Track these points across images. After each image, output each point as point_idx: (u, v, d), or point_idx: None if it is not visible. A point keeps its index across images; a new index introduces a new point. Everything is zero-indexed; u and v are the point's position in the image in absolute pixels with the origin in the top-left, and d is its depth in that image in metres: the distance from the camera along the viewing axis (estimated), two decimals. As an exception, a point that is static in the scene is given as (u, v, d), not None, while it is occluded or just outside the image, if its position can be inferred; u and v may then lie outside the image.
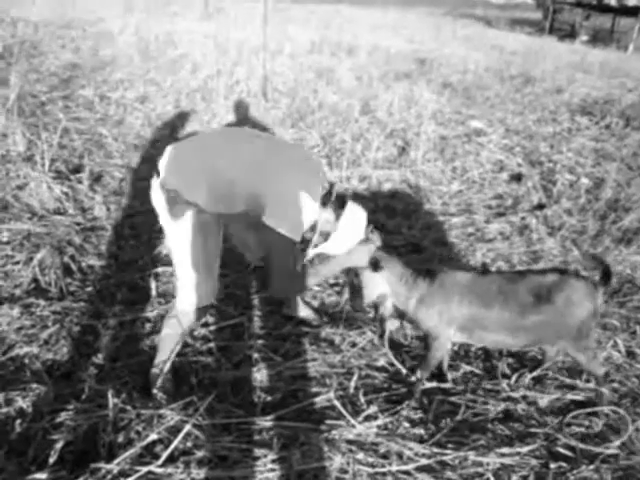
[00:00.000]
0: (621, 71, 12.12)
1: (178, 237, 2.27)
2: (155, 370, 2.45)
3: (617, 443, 2.29)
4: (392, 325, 2.82)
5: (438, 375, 2.66)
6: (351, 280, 2.54)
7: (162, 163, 2.25)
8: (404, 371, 2.66)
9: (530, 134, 6.88)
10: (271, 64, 8.24)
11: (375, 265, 2.39)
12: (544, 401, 2.55)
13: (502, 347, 2.70)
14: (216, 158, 2.21)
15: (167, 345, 2.43)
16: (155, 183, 2.26)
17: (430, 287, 2.42)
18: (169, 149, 2.29)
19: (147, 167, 4.95)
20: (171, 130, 5.99)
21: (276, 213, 2.16)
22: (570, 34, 24.51)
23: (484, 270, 3.61)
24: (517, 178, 5.41)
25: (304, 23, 13.93)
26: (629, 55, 17.38)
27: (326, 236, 2.35)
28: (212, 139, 2.36)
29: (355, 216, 2.35)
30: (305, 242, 2.38)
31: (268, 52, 7.81)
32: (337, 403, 2.38)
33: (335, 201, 2.32)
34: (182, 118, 6.38)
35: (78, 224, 3.82)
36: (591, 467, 2.18)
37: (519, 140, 6.56)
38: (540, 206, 4.80)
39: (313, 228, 2.35)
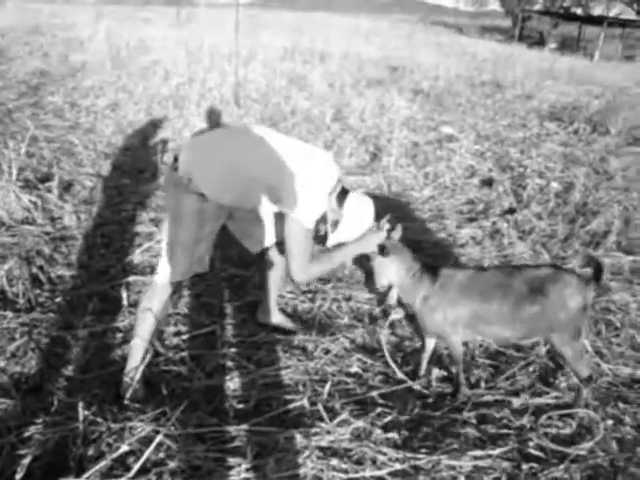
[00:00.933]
0: (588, 78, 12.43)
1: (177, 218, 2.37)
2: (126, 380, 2.43)
3: (589, 445, 2.32)
4: (396, 315, 2.91)
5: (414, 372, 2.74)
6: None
7: (183, 151, 2.38)
8: (398, 372, 2.69)
9: (501, 139, 7.00)
10: (243, 71, 8.24)
11: (383, 250, 2.46)
12: (517, 403, 2.58)
13: (502, 340, 2.75)
14: (235, 155, 2.36)
15: (137, 351, 2.42)
16: (170, 166, 2.40)
17: (432, 287, 2.48)
18: (190, 139, 2.48)
19: (118, 176, 4.91)
20: (143, 138, 5.94)
21: (293, 203, 2.33)
22: (539, 42, 25.04)
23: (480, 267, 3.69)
24: (488, 183, 5.49)
25: (276, 30, 13.96)
26: (595, 62, 17.82)
27: (335, 224, 2.48)
28: (232, 135, 2.49)
29: (360, 203, 2.48)
30: (316, 231, 2.51)
31: (240, 59, 7.81)
32: (310, 409, 2.38)
33: (338, 191, 2.45)
34: (154, 125, 6.33)
35: (47, 234, 3.76)
36: (561, 467, 2.21)
37: (490, 145, 6.67)
38: (511, 210, 4.87)
39: (323, 218, 2.47)
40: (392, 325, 3.10)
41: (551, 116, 8.48)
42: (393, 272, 2.52)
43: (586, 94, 10.38)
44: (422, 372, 2.73)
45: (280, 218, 2.65)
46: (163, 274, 2.44)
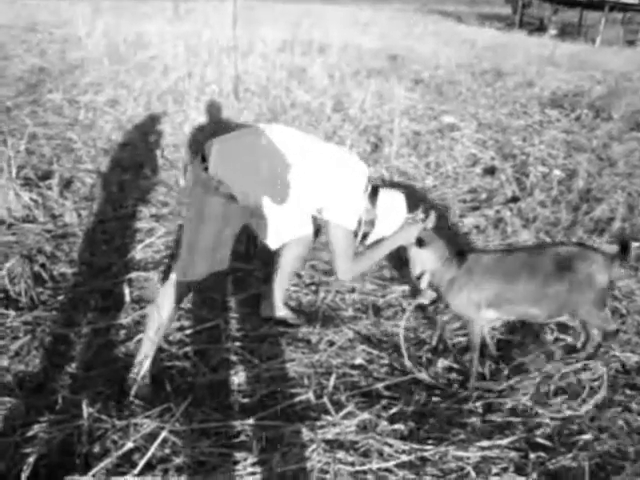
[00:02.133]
0: (589, 64, 12.32)
1: (200, 220, 2.38)
2: (132, 376, 2.42)
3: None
4: (427, 298, 2.99)
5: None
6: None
7: (212, 151, 2.35)
8: (408, 363, 2.69)
9: (502, 128, 6.95)
10: (242, 64, 8.19)
11: (420, 242, 2.57)
12: (524, 391, 2.56)
13: (530, 318, 2.78)
14: (272, 166, 2.37)
15: (146, 346, 2.43)
16: (199, 167, 2.37)
17: (459, 270, 2.58)
18: (219, 140, 2.43)
19: (118, 172, 4.89)
20: (142, 133, 5.91)
21: (333, 209, 2.41)
22: (539, 28, 24.84)
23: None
24: (490, 172, 5.45)
25: (274, 22, 13.88)
26: (597, 48, 17.67)
27: (371, 224, 2.56)
28: (264, 143, 2.43)
29: (393, 199, 2.56)
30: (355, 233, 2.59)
31: (239, 52, 7.76)
32: (315, 402, 2.37)
33: (370, 190, 2.53)
34: (153, 121, 6.30)
35: (48, 231, 3.74)
36: (569, 455, 2.19)
37: (492, 134, 6.62)
38: (514, 199, 4.84)
39: (359, 219, 2.54)
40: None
41: (553, 103, 8.41)
42: (428, 261, 2.62)
43: (588, 80, 10.28)
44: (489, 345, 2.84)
45: (300, 214, 2.74)
46: (181, 274, 2.44)
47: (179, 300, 2.48)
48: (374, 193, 2.53)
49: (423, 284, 2.67)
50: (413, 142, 6.08)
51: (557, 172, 5.42)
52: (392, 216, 2.56)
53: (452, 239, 3.94)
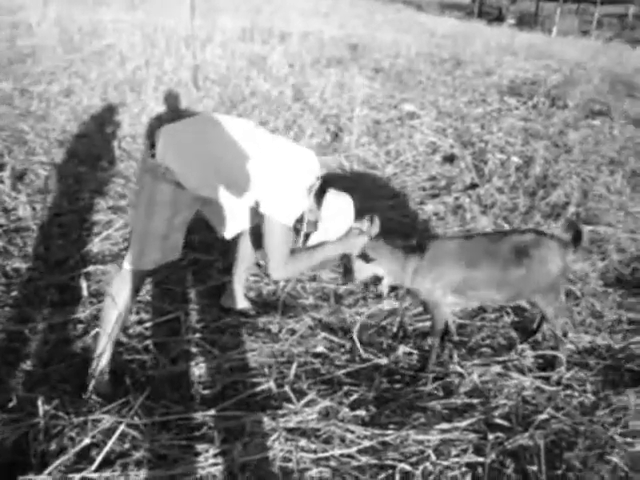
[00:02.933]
0: (546, 53, 12.55)
1: (150, 207, 2.32)
2: (90, 371, 2.38)
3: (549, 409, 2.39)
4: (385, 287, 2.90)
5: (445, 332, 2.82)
6: (346, 261, 2.69)
7: (160, 138, 2.32)
8: (362, 352, 2.71)
9: (461, 116, 7.02)
10: (201, 53, 8.06)
11: (364, 257, 2.54)
12: (479, 373, 2.62)
13: (490, 303, 2.88)
14: (218, 152, 2.34)
15: (103, 341, 2.37)
16: (148, 153, 2.33)
17: (421, 258, 2.56)
18: (167, 127, 2.39)
19: (74, 163, 4.76)
20: (99, 124, 5.77)
21: (272, 202, 2.34)
22: (498, 18, 25.17)
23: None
24: (450, 159, 5.52)
25: (234, 10, 13.68)
26: (553, 38, 18.02)
27: (314, 225, 2.50)
28: (213, 129, 2.40)
29: (340, 203, 2.50)
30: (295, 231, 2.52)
31: (198, 41, 7.63)
32: (277, 391, 2.37)
33: (317, 190, 2.46)
34: (110, 111, 6.15)
35: (0, 226, 3.63)
36: (526, 435, 2.25)
37: (451, 122, 6.69)
38: (473, 186, 4.91)
39: (301, 218, 2.47)
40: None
41: (511, 91, 8.54)
42: (379, 270, 2.60)
43: (545, 69, 10.47)
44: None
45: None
46: (133, 262, 2.38)
47: (135, 290, 2.43)
48: (321, 194, 2.47)
49: (384, 289, 2.67)
50: (373, 131, 6.10)
51: (515, 159, 5.52)
52: (337, 220, 2.51)
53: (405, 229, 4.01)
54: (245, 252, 2.89)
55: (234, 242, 2.89)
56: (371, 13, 18.11)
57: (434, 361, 2.64)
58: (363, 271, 2.62)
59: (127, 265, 2.39)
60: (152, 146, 2.33)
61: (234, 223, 2.70)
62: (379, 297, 3.14)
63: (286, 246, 2.44)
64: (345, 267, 2.69)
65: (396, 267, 2.59)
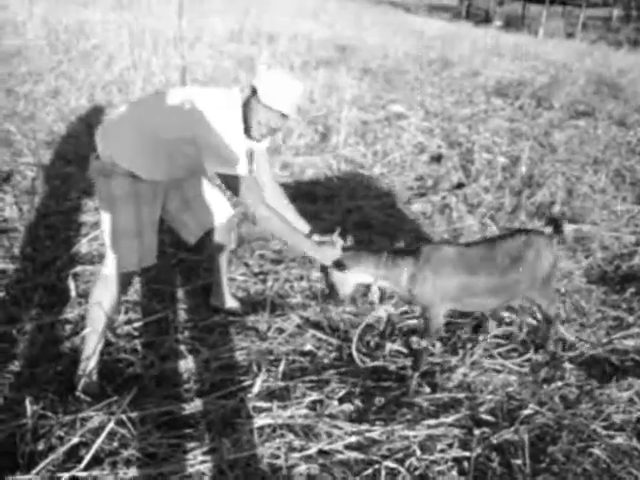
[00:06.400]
0: (532, 55, 12.69)
1: (111, 205, 2.31)
2: (79, 372, 2.38)
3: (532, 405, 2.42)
4: (386, 311, 2.88)
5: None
6: (327, 278, 2.60)
7: (98, 137, 2.32)
8: (359, 362, 2.69)
9: (449, 116, 7.09)
10: (189, 54, 8.06)
11: (339, 266, 2.47)
12: (464, 370, 2.65)
13: (485, 309, 2.86)
14: (148, 124, 2.29)
15: (91, 342, 2.37)
16: (92, 156, 2.34)
17: (417, 264, 2.51)
18: (103, 123, 2.38)
19: (61, 164, 4.75)
20: (86, 125, 5.75)
21: (212, 158, 2.26)
22: (485, 19, 25.37)
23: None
24: (437, 159, 5.57)
25: (222, 11, 13.68)
26: (539, 39, 18.19)
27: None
28: (140, 105, 2.40)
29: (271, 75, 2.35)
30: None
31: (186, 41, 7.63)
32: (265, 389, 2.39)
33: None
34: (98, 112, 6.14)
35: (-13, 227, 3.61)
36: (511, 429, 2.29)
37: (438, 122, 6.75)
38: (460, 185, 4.96)
39: (251, 155, 2.45)
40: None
41: (497, 92, 8.63)
42: (362, 277, 2.55)
43: (531, 70, 10.60)
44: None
45: (213, 202, 2.69)
46: (112, 266, 2.37)
47: (119, 294, 2.42)
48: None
49: (375, 296, 2.60)
50: (361, 131, 6.13)
51: (501, 159, 5.59)
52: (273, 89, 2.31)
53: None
54: (218, 251, 2.89)
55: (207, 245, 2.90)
56: (359, 15, 18.18)
57: (425, 362, 2.65)
58: (346, 284, 2.56)
59: (105, 270, 2.39)
60: (94, 149, 2.33)
61: (193, 226, 2.70)
62: (371, 304, 3.09)
63: (251, 184, 2.35)
64: (328, 285, 2.62)
65: (385, 272, 2.53)
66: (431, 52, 11.56)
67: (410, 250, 2.62)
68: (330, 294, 2.64)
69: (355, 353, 2.70)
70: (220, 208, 2.75)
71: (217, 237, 2.82)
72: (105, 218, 2.36)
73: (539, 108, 7.84)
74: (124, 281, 2.42)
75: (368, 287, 2.60)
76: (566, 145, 6.24)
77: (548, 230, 2.77)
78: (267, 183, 2.68)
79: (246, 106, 2.35)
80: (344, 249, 2.55)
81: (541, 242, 2.60)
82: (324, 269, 2.60)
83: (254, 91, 2.32)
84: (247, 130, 2.40)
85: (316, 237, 2.65)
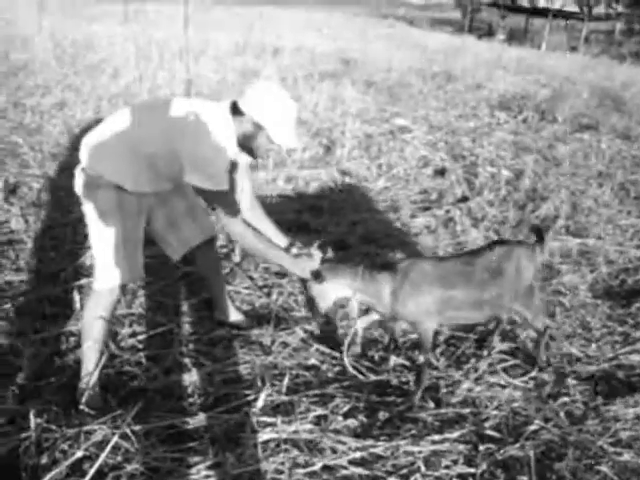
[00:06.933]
0: (535, 68, 12.75)
1: (97, 218, 2.31)
2: (82, 385, 2.37)
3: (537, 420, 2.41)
4: (364, 323, 2.82)
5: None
6: (306, 292, 2.59)
7: (82, 150, 2.32)
8: (359, 376, 2.68)
9: (452, 129, 7.11)
10: (194, 67, 8.12)
11: (317, 277, 2.44)
12: (468, 385, 2.63)
13: (470, 322, 2.86)
14: (131, 136, 2.28)
15: (90, 356, 2.37)
16: (77, 170, 2.34)
17: (395, 279, 2.47)
18: (85, 139, 2.35)
19: (67, 176, 4.77)
20: (92, 137, 5.79)
21: (194, 172, 2.25)
22: (488, 33, 25.54)
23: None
24: (441, 172, 5.58)
25: (227, 25, 13.80)
26: (542, 53, 18.28)
27: (258, 127, 2.33)
28: (125, 117, 2.35)
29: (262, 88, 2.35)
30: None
31: (191, 55, 7.70)
32: (269, 404, 2.38)
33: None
34: (103, 124, 6.17)
35: (-7, 238, 3.63)
36: (516, 445, 2.27)
37: (442, 135, 6.77)
38: (464, 199, 4.97)
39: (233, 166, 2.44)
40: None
41: (501, 105, 8.67)
42: (342, 289, 2.50)
43: (534, 83, 10.65)
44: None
45: (197, 220, 2.69)
46: (102, 281, 2.37)
47: (111, 307, 2.41)
48: (235, 109, 2.34)
49: (353, 312, 2.57)
50: (365, 144, 6.16)
51: (505, 172, 5.60)
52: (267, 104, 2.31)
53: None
54: (208, 267, 2.91)
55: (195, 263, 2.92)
56: (364, 28, 18.31)
57: (427, 377, 2.63)
58: (325, 297, 2.51)
59: (95, 285, 2.39)
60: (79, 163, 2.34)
61: (176, 244, 2.70)
62: (352, 320, 3.04)
63: (229, 200, 2.37)
64: (307, 299, 2.61)
65: (363, 285, 2.49)
66: (435, 65, 11.62)
67: (387, 265, 2.59)
68: (310, 308, 2.62)
69: (347, 360, 2.67)
70: (203, 226, 2.74)
71: (202, 254, 2.83)
72: (92, 232, 2.36)
73: (543, 121, 7.86)
74: (114, 295, 2.40)
75: (345, 302, 2.58)
76: (570, 158, 6.25)
77: (530, 239, 2.77)
78: (246, 195, 2.66)
79: (240, 124, 2.34)
80: (323, 262, 2.52)
81: (520, 252, 2.56)
82: (303, 282, 2.56)
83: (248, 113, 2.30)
84: (242, 149, 2.41)
85: (295, 250, 2.63)
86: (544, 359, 2.80)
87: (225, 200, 2.36)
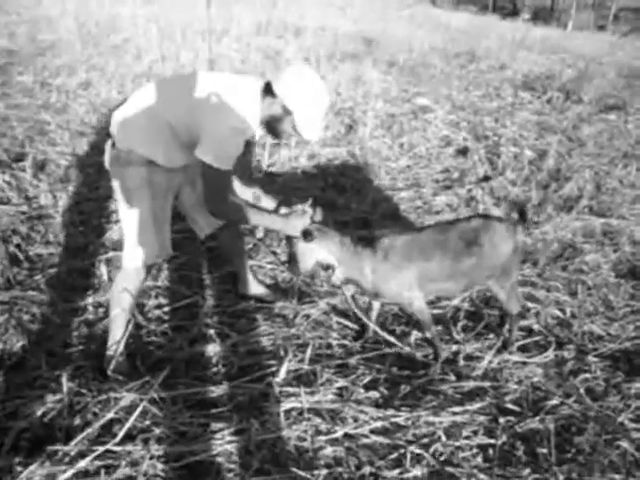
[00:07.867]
0: (561, 47, 12.49)
1: (126, 195, 2.34)
2: (109, 352, 2.45)
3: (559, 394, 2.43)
4: (348, 291, 2.90)
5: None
6: (290, 248, 2.55)
7: (113, 124, 2.34)
8: (372, 329, 2.75)
9: (475, 109, 7.04)
10: (217, 46, 8.13)
11: (306, 235, 2.41)
12: (489, 359, 2.66)
13: (447, 294, 2.87)
14: (160, 110, 2.28)
15: (118, 324, 2.44)
16: (107, 145, 2.36)
17: (376, 257, 2.46)
18: (116, 113, 2.36)
19: (94, 154, 4.85)
20: (116, 116, 5.85)
21: (204, 146, 2.22)
22: (512, 12, 25.01)
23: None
24: (463, 152, 5.54)
25: (249, 3, 13.73)
26: (568, 32, 17.89)
27: (285, 111, 2.31)
28: (153, 91, 2.35)
29: (295, 72, 2.32)
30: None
31: (213, 34, 7.70)
32: (292, 373, 2.43)
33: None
34: (127, 103, 6.23)
35: (23, 213, 3.72)
36: (536, 419, 2.30)
37: (464, 115, 6.71)
38: (486, 178, 4.93)
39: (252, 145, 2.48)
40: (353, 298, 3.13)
41: (525, 85, 8.53)
42: (327, 253, 2.47)
43: (559, 63, 10.44)
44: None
45: None
46: (131, 259, 2.42)
47: (140, 284, 2.47)
48: (268, 89, 2.33)
49: (337, 280, 2.54)
50: (387, 123, 6.13)
51: (528, 152, 5.54)
52: (297, 90, 2.28)
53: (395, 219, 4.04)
54: (231, 242, 2.96)
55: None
56: (385, 8, 18.07)
57: (440, 345, 2.66)
58: (308, 258, 2.48)
59: (125, 263, 2.44)
60: (109, 136, 2.36)
61: (203, 223, 2.75)
62: (333, 287, 3.11)
63: (224, 191, 2.34)
64: (290, 256, 2.55)
65: (346, 256, 2.47)
66: (457, 45, 11.45)
67: (371, 239, 2.52)
68: (290, 265, 2.58)
69: (377, 329, 2.73)
70: None
71: (226, 231, 2.87)
72: (122, 210, 2.39)
73: (567, 102, 7.73)
74: (142, 273, 2.45)
75: (330, 268, 2.55)
76: (595, 139, 6.15)
77: (512, 216, 2.73)
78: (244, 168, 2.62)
79: (270, 105, 2.33)
80: (312, 222, 2.48)
81: (499, 228, 2.51)
82: (288, 239, 2.53)
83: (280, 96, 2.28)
84: (268, 129, 2.41)
85: (284, 210, 2.60)
86: (513, 341, 2.78)
87: (222, 179, 2.32)
